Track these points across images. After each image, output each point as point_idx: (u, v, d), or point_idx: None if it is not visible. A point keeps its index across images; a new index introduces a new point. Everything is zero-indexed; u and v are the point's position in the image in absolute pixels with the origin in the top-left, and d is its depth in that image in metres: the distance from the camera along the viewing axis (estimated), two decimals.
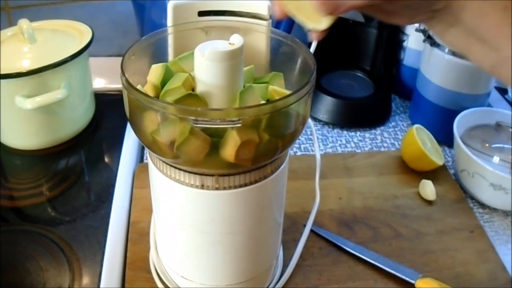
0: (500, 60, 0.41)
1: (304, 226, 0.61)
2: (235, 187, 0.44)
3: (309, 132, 0.85)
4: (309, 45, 0.47)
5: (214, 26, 0.49)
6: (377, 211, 0.68)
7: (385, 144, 0.83)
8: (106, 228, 0.62)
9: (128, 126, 0.77)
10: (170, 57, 0.50)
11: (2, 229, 0.63)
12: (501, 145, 0.75)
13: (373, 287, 0.58)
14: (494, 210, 0.71)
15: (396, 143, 0.84)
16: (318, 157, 0.61)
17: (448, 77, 0.78)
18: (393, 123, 0.89)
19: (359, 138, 0.85)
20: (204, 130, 0.39)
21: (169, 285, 0.54)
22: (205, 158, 0.40)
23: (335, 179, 0.73)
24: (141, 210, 0.65)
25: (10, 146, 0.77)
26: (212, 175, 0.43)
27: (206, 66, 0.41)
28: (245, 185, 0.44)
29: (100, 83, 0.90)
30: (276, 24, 0.75)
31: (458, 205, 0.70)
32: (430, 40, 0.79)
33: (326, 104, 0.86)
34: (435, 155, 0.74)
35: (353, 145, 0.83)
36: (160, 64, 0.45)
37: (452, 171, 0.77)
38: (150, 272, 0.57)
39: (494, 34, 0.40)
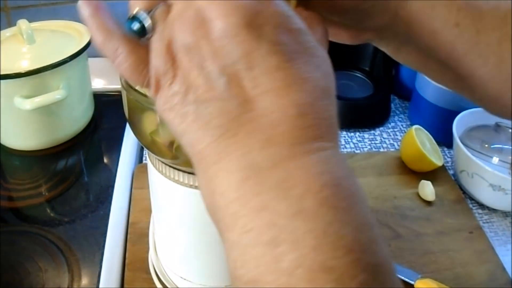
0: (459, 78, 0.38)
1: None
2: None
3: None
4: None
5: None
6: (376, 211, 0.68)
7: (384, 145, 0.83)
8: (105, 228, 0.62)
9: (127, 126, 0.77)
10: None
11: (1, 229, 0.63)
12: (501, 146, 0.74)
13: None
14: (494, 210, 0.71)
15: (395, 143, 0.84)
16: None
17: None
18: (392, 124, 0.89)
19: (358, 138, 0.85)
20: None
21: (168, 286, 0.54)
22: None
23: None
24: (140, 211, 0.65)
25: (9, 147, 0.77)
26: None
27: None
28: None
29: (99, 84, 0.90)
30: None
31: (458, 205, 0.70)
32: None
33: None
34: (434, 155, 0.74)
35: (352, 145, 0.83)
36: None
37: (451, 172, 0.77)
38: (149, 273, 0.57)
39: (447, 54, 0.37)
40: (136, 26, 0.28)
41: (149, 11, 0.27)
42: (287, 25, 0.26)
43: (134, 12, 0.28)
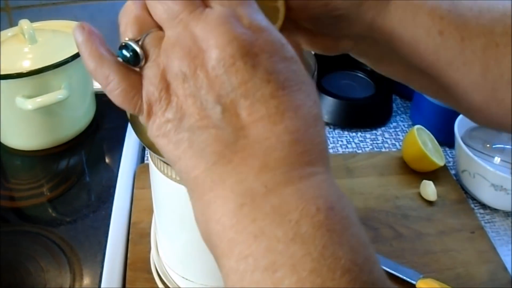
0: (443, 88, 0.37)
1: None
2: None
3: None
4: None
5: None
6: (378, 211, 0.68)
7: (386, 145, 0.83)
8: (107, 228, 0.62)
9: (129, 126, 0.77)
10: None
11: (3, 229, 0.63)
12: (502, 146, 0.74)
13: None
14: (495, 210, 0.71)
15: (397, 143, 0.84)
16: None
17: None
18: (394, 124, 0.89)
19: (360, 138, 0.84)
20: None
21: (170, 286, 0.54)
22: None
23: (336, 179, 0.73)
24: (141, 211, 0.65)
25: (11, 147, 0.77)
26: None
27: None
28: None
29: None
30: None
31: (459, 205, 0.70)
32: None
33: (327, 105, 0.86)
34: (436, 155, 0.74)
35: (354, 145, 0.83)
36: None
37: (453, 172, 0.77)
38: (150, 273, 0.57)
39: (431, 63, 0.35)
40: (128, 54, 0.28)
41: (139, 39, 0.27)
42: (281, 53, 0.26)
43: (125, 40, 0.28)
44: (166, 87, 0.26)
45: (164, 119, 0.26)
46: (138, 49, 0.27)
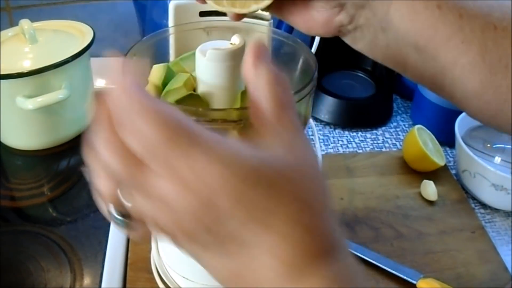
0: (440, 70, 0.36)
1: None
2: None
3: (310, 133, 0.85)
4: (311, 45, 0.47)
5: (215, 27, 0.49)
6: (378, 211, 0.68)
7: (387, 145, 0.83)
8: (107, 228, 0.62)
9: None
10: (172, 57, 0.50)
11: (3, 229, 0.63)
12: (503, 146, 0.74)
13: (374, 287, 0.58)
14: (496, 210, 0.71)
15: (397, 143, 0.84)
16: (319, 157, 0.61)
17: None
18: (395, 124, 0.89)
19: (361, 138, 0.84)
20: None
21: (171, 286, 0.54)
22: None
23: (336, 179, 0.73)
24: None
25: (11, 147, 0.77)
26: None
27: (207, 67, 0.41)
28: None
29: (101, 83, 0.90)
30: (278, 24, 0.74)
31: (460, 205, 0.70)
32: None
33: (328, 105, 0.86)
34: (437, 155, 0.74)
35: (354, 145, 0.83)
36: (161, 65, 0.45)
37: (453, 172, 0.77)
38: (151, 273, 0.57)
39: (429, 38, 0.35)
40: (119, 222, 0.29)
41: (120, 205, 0.29)
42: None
43: (108, 210, 0.29)
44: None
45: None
46: (122, 220, 0.29)
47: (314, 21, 0.39)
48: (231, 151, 0.25)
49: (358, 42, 0.39)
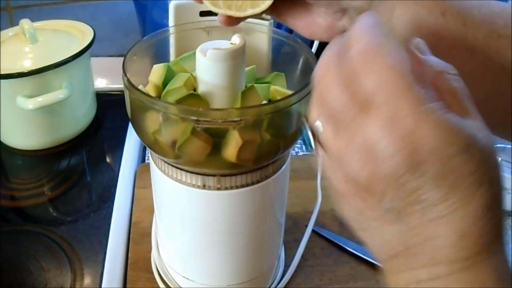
0: None
1: (306, 226, 0.61)
2: (237, 187, 0.43)
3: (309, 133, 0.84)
4: (311, 45, 0.47)
5: (215, 26, 0.49)
6: None
7: None
8: (108, 228, 0.62)
9: (130, 126, 0.77)
10: (172, 57, 0.50)
11: (4, 229, 0.63)
12: (503, 145, 0.74)
13: (374, 287, 0.58)
14: None
15: None
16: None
17: None
18: None
19: None
20: (206, 130, 0.39)
21: (171, 285, 0.54)
22: (207, 158, 0.40)
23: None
24: (142, 210, 0.65)
25: (12, 146, 0.77)
26: (213, 175, 0.43)
27: (207, 66, 0.41)
28: (247, 185, 0.44)
29: (101, 83, 0.90)
30: (278, 24, 0.74)
31: None
32: None
33: None
34: None
35: None
36: (161, 64, 0.45)
37: None
38: (151, 272, 0.57)
39: (433, 45, 0.34)
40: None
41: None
42: (451, 150, 0.26)
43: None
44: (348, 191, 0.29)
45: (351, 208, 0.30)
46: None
47: (316, 26, 0.39)
48: (455, 119, 0.26)
49: None
